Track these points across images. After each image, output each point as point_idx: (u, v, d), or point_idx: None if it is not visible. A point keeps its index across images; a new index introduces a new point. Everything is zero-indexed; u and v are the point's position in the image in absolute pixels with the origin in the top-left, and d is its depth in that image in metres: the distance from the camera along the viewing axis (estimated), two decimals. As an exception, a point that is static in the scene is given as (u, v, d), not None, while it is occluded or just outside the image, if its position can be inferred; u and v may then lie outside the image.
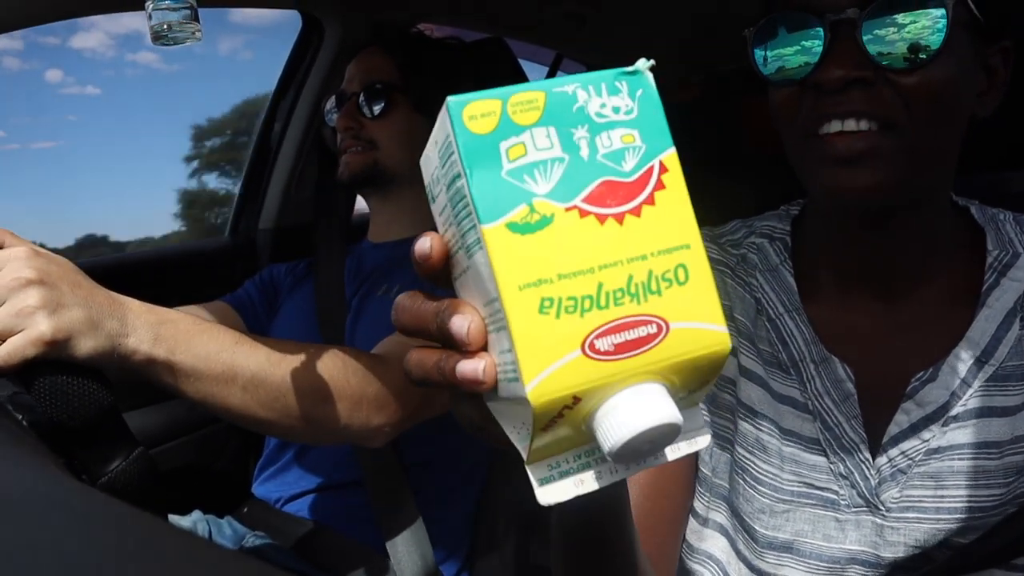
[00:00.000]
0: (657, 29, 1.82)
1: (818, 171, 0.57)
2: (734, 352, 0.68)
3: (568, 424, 0.32)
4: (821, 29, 0.55)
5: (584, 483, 0.35)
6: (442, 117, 0.32)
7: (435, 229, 0.37)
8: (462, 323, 0.33)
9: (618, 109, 0.32)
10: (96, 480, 0.61)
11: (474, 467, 1.16)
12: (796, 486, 0.64)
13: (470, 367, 0.33)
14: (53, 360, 0.60)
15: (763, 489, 0.66)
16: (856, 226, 0.62)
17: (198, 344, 0.69)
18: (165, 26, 0.67)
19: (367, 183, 1.18)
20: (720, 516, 0.70)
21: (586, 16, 1.69)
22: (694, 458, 0.71)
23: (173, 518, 1.09)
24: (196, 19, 0.68)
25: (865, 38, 0.54)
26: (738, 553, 0.69)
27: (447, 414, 0.99)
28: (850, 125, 0.55)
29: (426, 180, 0.36)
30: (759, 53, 0.59)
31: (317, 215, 1.31)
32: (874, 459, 0.62)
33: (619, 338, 0.30)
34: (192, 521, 1.12)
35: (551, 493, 0.34)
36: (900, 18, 0.53)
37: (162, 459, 1.34)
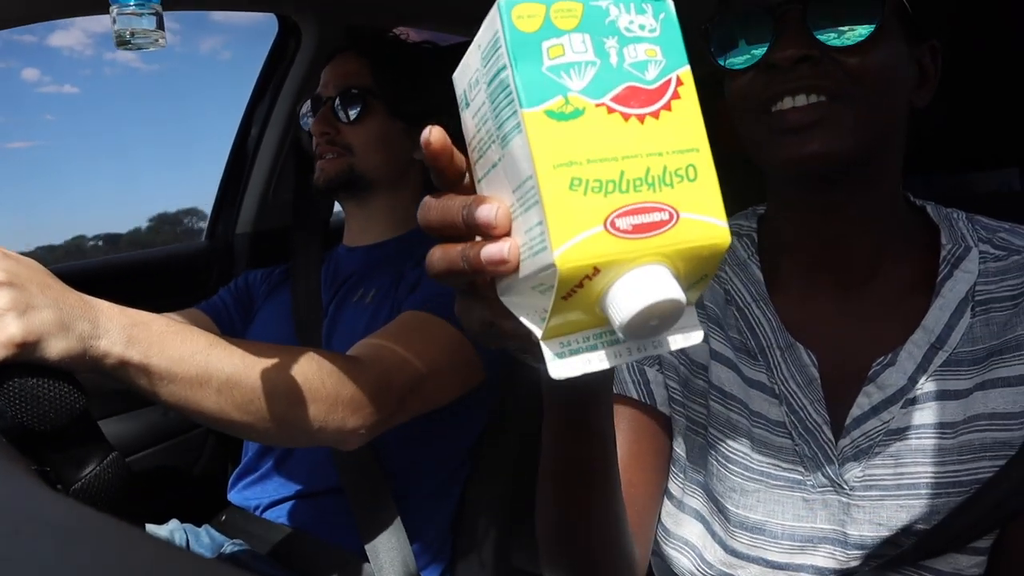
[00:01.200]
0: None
1: (771, 143, 0.62)
2: (705, 339, 0.72)
3: (582, 302, 0.36)
4: (770, 18, 0.60)
5: (591, 362, 0.38)
6: (491, 18, 0.36)
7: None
8: (490, 209, 0.37)
9: (644, 27, 0.36)
10: (69, 486, 0.60)
11: (454, 472, 1.15)
12: (765, 467, 0.68)
13: (495, 248, 0.36)
14: (23, 363, 0.58)
15: (734, 468, 0.69)
16: (810, 203, 0.66)
17: (171, 346, 0.68)
18: (128, 32, 0.66)
19: (343, 188, 1.17)
20: (696, 502, 0.72)
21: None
22: (669, 435, 0.74)
23: (150, 527, 1.07)
24: (161, 26, 0.67)
25: (810, 22, 0.59)
26: (714, 535, 0.71)
27: (425, 420, 1.00)
28: (800, 100, 0.60)
29: (459, 91, 0.40)
30: (716, 47, 0.64)
31: (295, 220, 1.30)
32: (837, 441, 0.65)
33: (637, 220, 0.34)
34: (169, 530, 1.11)
35: (563, 368, 0.38)
36: (841, 4, 0.59)
37: (138, 467, 1.32)
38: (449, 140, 0.39)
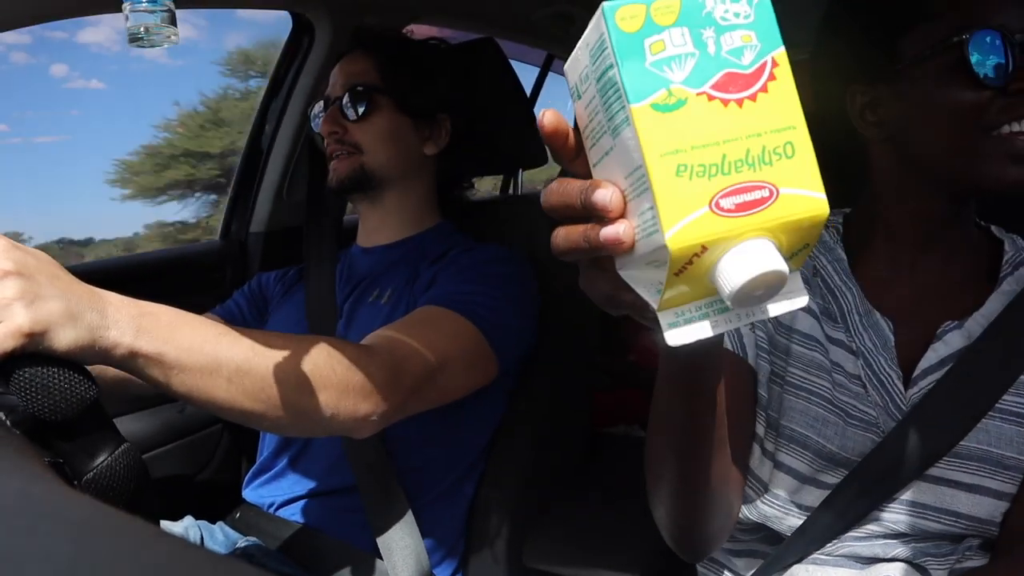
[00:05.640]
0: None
1: (999, 165, 0.69)
2: None
3: (693, 276, 0.39)
4: (1010, 49, 0.68)
5: (703, 330, 0.42)
6: (596, 21, 0.39)
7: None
8: (605, 194, 0.40)
9: (738, 14, 0.39)
10: (81, 476, 0.59)
11: (467, 471, 1.15)
12: (843, 404, 0.77)
13: (612, 229, 0.39)
14: (32, 353, 0.58)
15: (816, 399, 0.77)
16: (960, 208, 0.76)
17: (181, 336, 0.68)
18: (142, 28, 0.67)
19: (355, 188, 1.17)
20: (770, 444, 0.80)
21: (575, 16, 1.69)
22: (754, 383, 0.81)
23: (165, 524, 1.08)
24: (173, 22, 0.68)
25: None
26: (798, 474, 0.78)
27: (439, 418, 1.00)
28: None
29: (571, 83, 0.43)
30: (975, 58, 0.69)
31: (308, 219, 1.31)
32: (906, 389, 0.76)
33: (739, 199, 0.37)
34: (184, 527, 1.11)
35: (678, 336, 0.41)
36: None
37: (153, 465, 1.33)
38: (562, 121, 0.42)
